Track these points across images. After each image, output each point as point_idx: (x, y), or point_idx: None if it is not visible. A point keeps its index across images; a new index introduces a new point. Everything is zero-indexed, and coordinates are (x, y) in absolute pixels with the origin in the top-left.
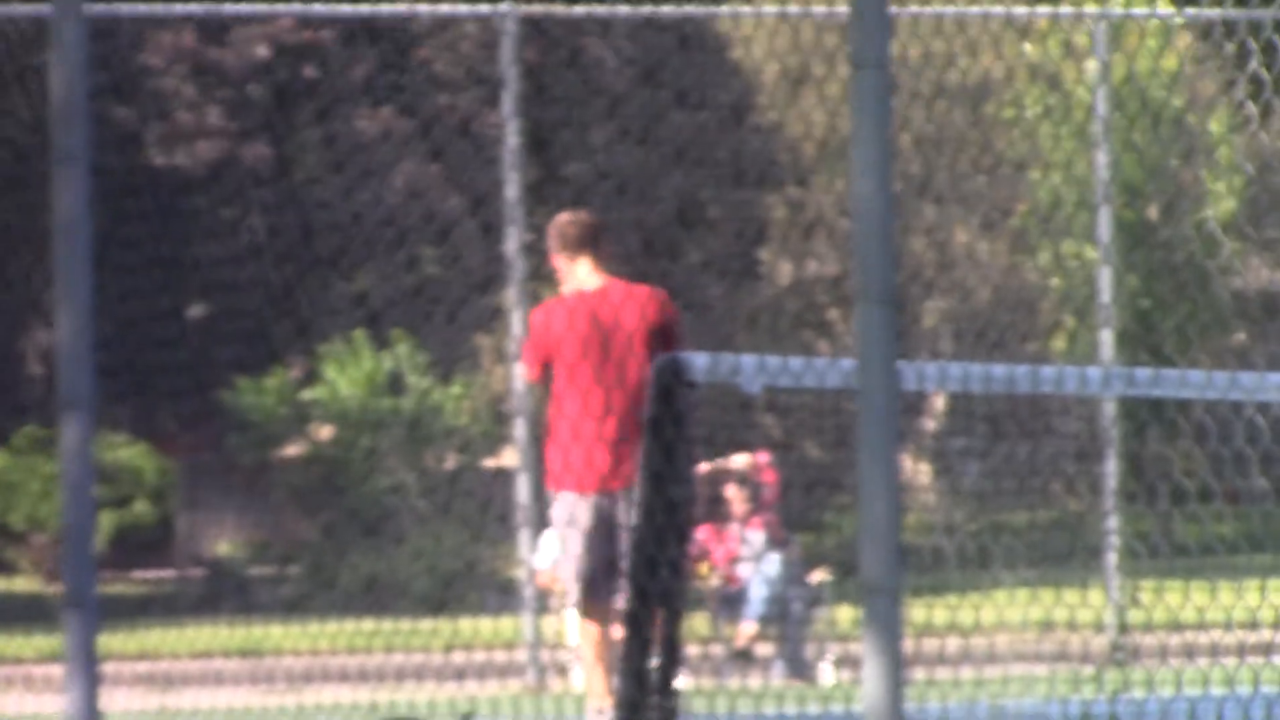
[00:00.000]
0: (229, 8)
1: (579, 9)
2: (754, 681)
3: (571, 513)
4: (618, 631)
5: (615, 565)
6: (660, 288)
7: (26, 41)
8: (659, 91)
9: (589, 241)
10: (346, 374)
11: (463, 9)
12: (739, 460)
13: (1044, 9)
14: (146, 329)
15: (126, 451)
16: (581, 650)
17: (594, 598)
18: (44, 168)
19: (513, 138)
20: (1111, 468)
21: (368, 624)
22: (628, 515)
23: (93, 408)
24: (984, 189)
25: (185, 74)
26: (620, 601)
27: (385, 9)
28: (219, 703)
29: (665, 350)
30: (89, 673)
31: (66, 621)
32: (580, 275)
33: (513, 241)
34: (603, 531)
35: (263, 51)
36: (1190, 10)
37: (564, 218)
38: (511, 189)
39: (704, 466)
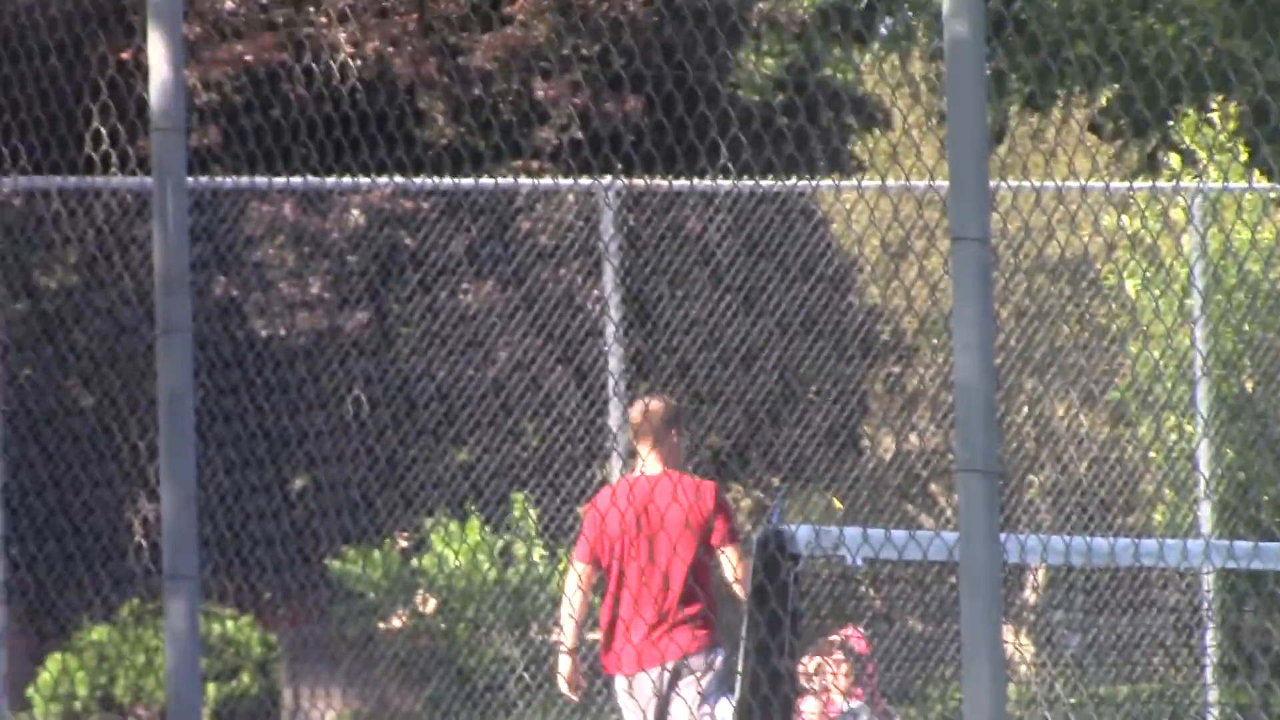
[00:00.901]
0: (329, 181)
1: (680, 182)
2: None
3: (627, 692)
4: None
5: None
6: (761, 459)
7: (129, 213)
8: (761, 264)
9: (657, 431)
10: (452, 545)
11: (564, 182)
12: (837, 637)
13: (1141, 183)
14: (250, 501)
15: (231, 623)
16: None
17: None
18: (147, 339)
19: (615, 310)
20: (1211, 640)
21: None
22: (670, 688)
23: (197, 580)
24: (1083, 362)
25: (285, 244)
26: None
27: (487, 182)
28: None
29: (712, 541)
30: None
31: None
32: (644, 461)
33: (615, 414)
34: (656, 708)
35: (361, 221)
36: None
37: (637, 405)
38: (614, 361)
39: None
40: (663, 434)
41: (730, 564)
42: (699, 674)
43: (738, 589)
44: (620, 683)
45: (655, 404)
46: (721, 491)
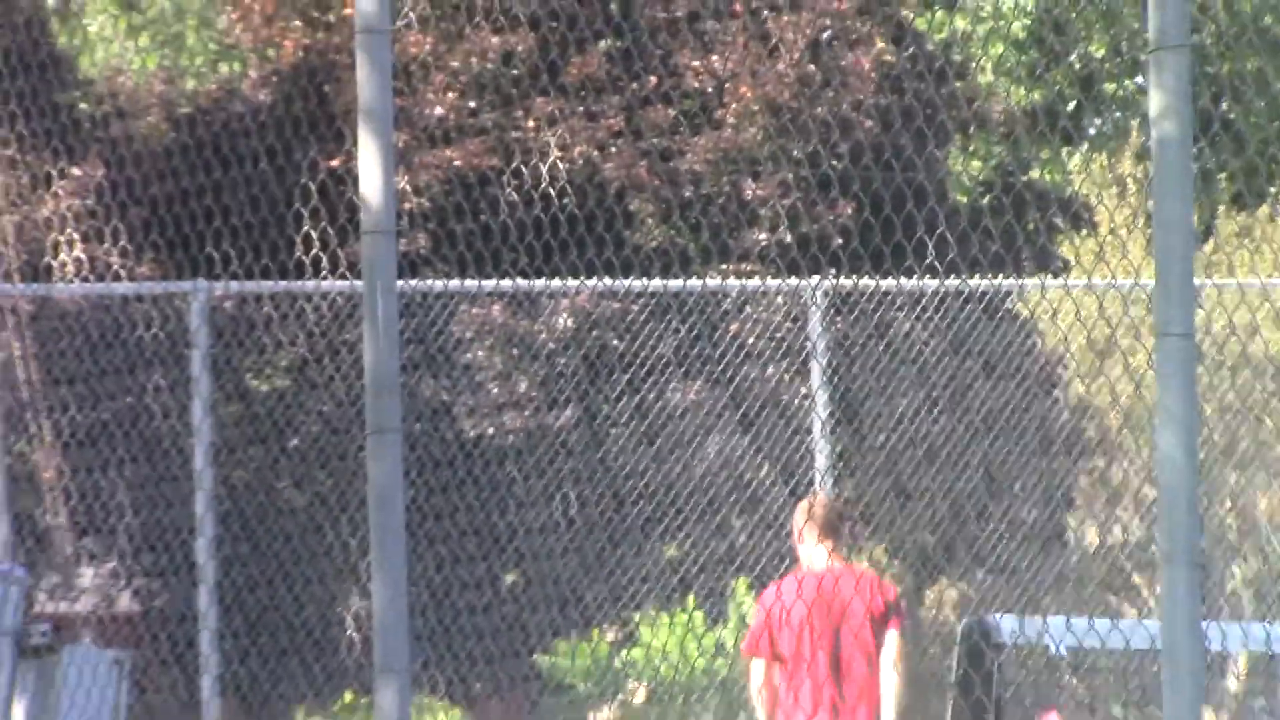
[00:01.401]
0: (539, 284)
1: (887, 282)
2: None
3: None
4: None
5: None
6: (965, 553)
7: (339, 316)
8: (967, 362)
9: (834, 527)
10: (660, 635)
11: (773, 283)
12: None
13: None
14: (461, 596)
15: (443, 715)
16: None
17: None
18: (358, 440)
19: (822, 407)
20: None
21: None
22: None
23: (408, 673)
24: None
25: (494, 346)
26: None
27: (696, 284)
28: None
29: (884, 629)
30: None
31: None
32: (815, 556)
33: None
34: None
35: (570, 322)
36: None
37: (817, 499)
38: (821, 458)
39: None
40: (838, 529)
41: (893, 646)
42: None
43: (894, 670)
44: None
45: (835, 500)
46: (895, 585)
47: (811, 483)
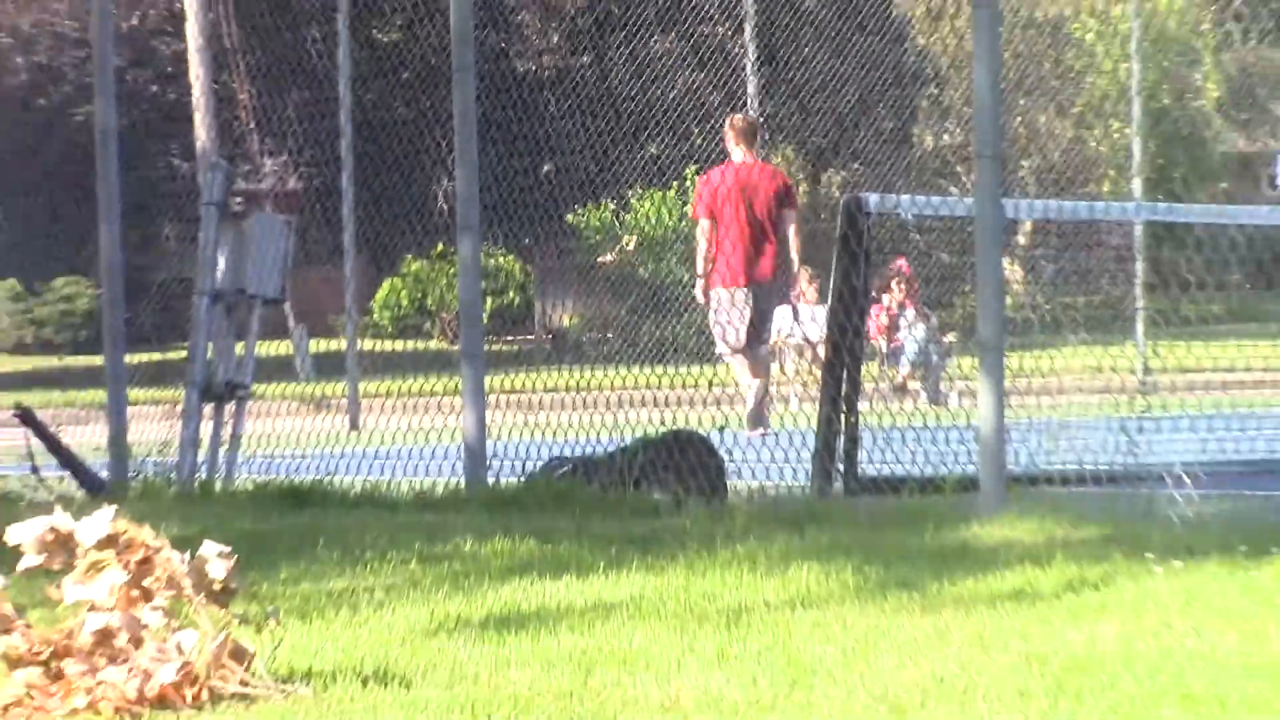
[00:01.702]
0: None
1: None
2: (906, 405)
3: (728, 299)
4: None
5: (757, 329)
6: (845, 152)
7: None
8: (848, 21)
9: (750, 134)
10: (645, 205)
11: None
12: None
13: None
14: (515, 179)
15: (503, 259)
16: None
17: (743, 354)
18: (447, 77)
19: (752, 51)
20: (1139, 268)
21: (658, 369)
22: (763, 298)
23: (479, 231)
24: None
25: (534, 10)
26: (762, 353)
27: None
28: (561, 419)
29: (779, 206)
30: (479, 403)
31: (464, 369)
32: (738, 154)
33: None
34: (749, 309)
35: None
36: None
37: (740, 115)
38: (750, 86)
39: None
40: (753, 135)
41: (790, 222)
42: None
43: (793, 239)
44: (722, 293)
45: (747, 118)
46: (785, 175)
47: (744, 104)
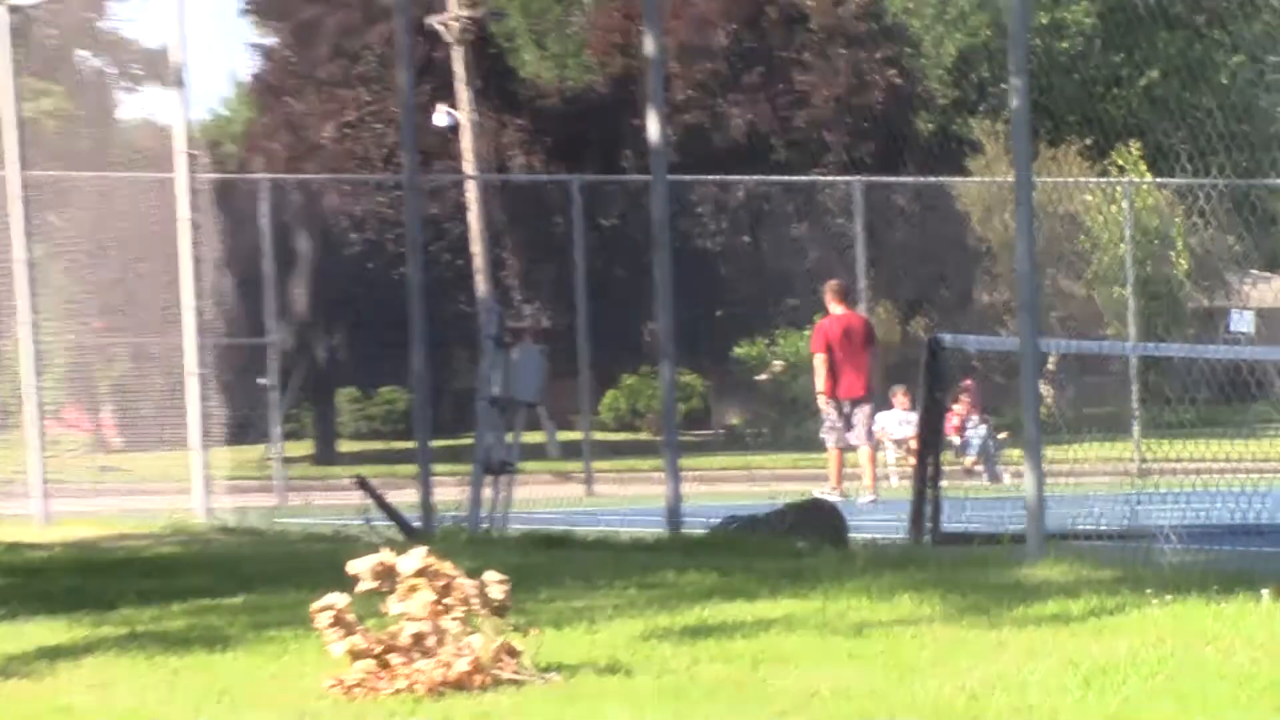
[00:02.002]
0: None
1: None
2: (973, 483)
3: (839, 408)
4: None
5: (859, 423)
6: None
7: None
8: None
9: (845, 294)
10: (786, 341)
11: None
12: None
13: None
14: (698, 321)
15: (690, 376)
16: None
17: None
18: (648, 249)
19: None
20: (1134, 388)
21: (797, 455)
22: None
23: (674, 357)
24: None
25: (708, 205)
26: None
27: None
28: (732, 489)
29: (868, 342)
30: (675, 477)
31: (665, 453)
32: (836, 309)
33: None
34: (858, 408)
35: None
36: None
37: (833, 282)
38: (863, 281)
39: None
40: (844, 295)
41: (875, 354)
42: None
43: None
44: (833, 403)
45: (840, 282)
46: (869, 320)
47: (855, 272)
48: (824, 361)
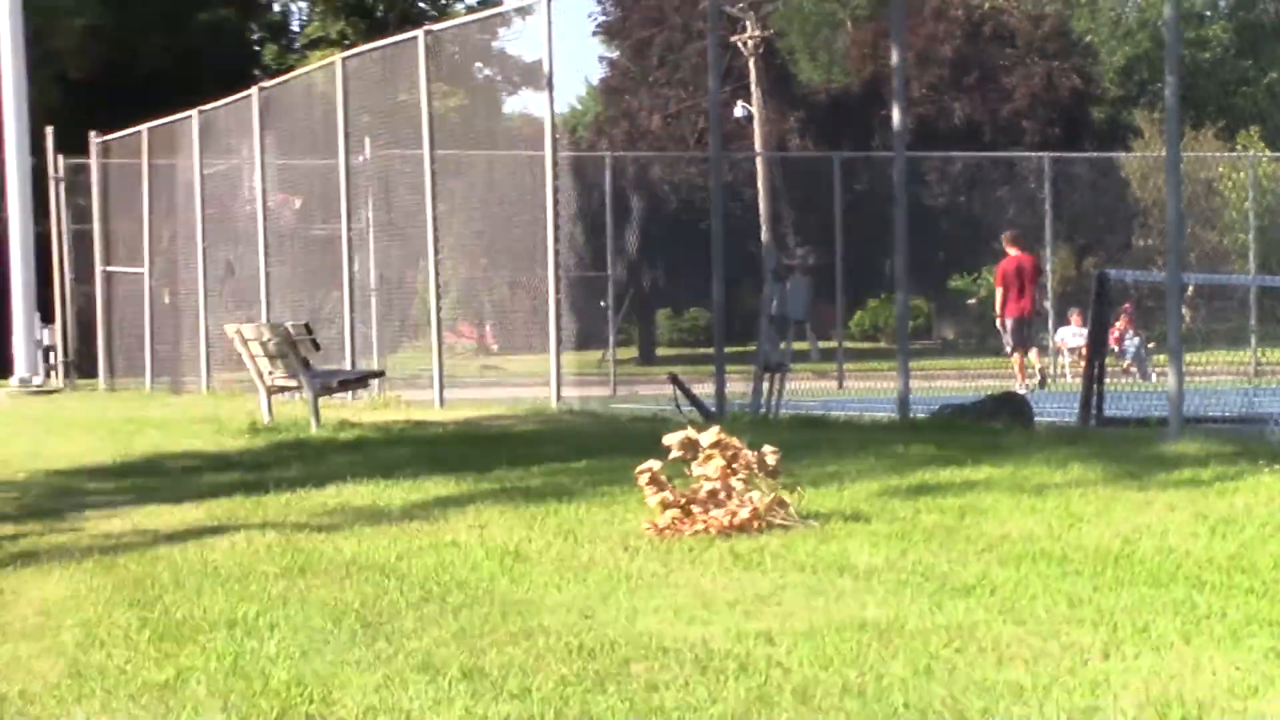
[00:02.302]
0: None
1: None
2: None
3: (1015, 323)
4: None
5: (1030, 334)
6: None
7: None
8: None
9: (1019, 240)
10: (989, 276)
11: None
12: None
13: None
14: (926, 262)
15: (919, 301)
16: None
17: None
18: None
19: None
20: (1253, 309)
21: (996, 359)
22: (1027, 324)
23: (907, 286)
24: None
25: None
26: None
27: None
28: (947, 384)
29: (1036, 275)
30: (905, 374)
31: (899, 358)
32: (1012, 251)
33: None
34: (1027, 324)
35: None
36: None
37: (1007, 233)
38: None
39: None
40: (1018, 242)
41: (1039, 285)
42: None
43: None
44: (1009, 321)
45: (1015, 232)
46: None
47: (1043, 222)
48: (1001, 291)
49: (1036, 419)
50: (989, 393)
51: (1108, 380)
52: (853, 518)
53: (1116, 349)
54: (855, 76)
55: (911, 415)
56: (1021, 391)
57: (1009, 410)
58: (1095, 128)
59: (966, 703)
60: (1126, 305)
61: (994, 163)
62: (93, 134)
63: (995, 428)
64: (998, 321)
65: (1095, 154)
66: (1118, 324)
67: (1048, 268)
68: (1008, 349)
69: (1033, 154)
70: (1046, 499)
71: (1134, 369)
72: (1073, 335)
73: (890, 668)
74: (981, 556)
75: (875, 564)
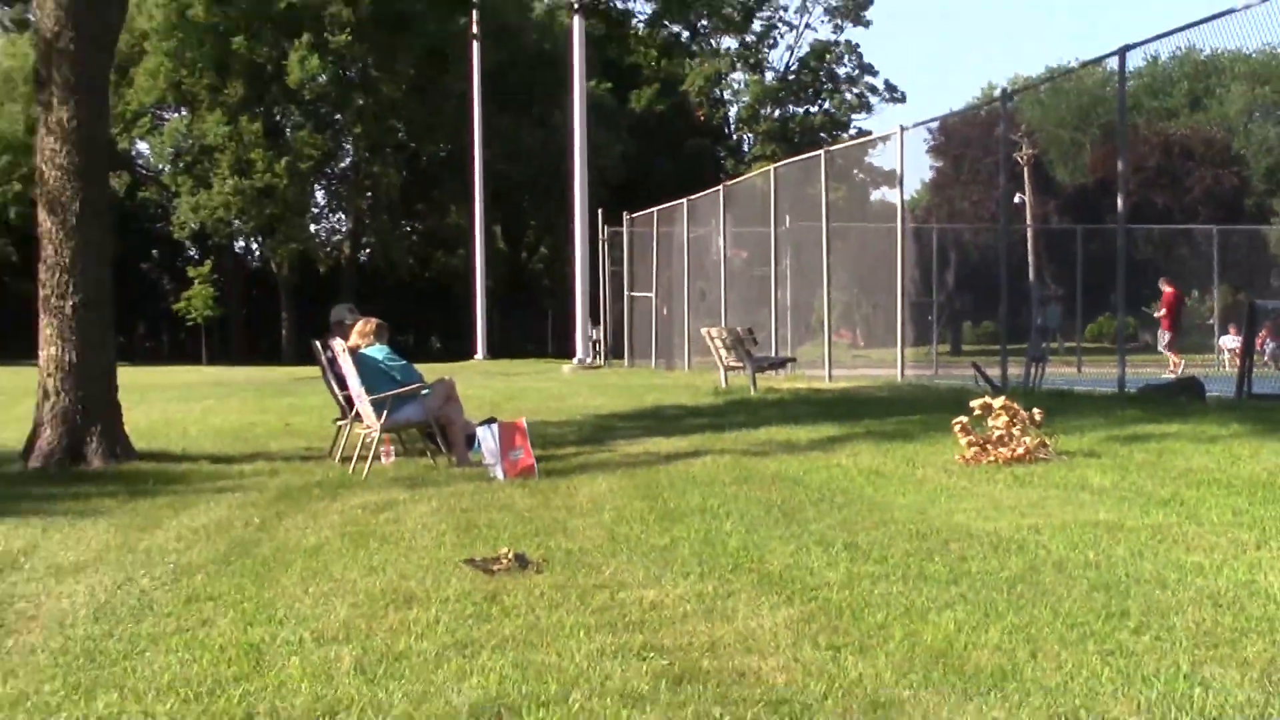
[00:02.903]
0: None
1: None
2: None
3: (1172, 335)
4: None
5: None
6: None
7: None
8: None
9: (1172, 283)
10: None
11: None
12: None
13: None
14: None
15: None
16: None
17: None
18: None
19: None
20: None
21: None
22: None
23: (1124, 309)
24: None
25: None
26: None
27: None
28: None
29: (1182, 303)
30: (1119, 357)
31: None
32: (1165, 288)
33: None
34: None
35: None
36: None
37: (1165, 278)
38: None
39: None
40: (1174, 283)
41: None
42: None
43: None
44: (1168, 335)
45: (1164, 279)
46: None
47: None
48: (1165, 313)
49: (1208, 394)
50: (1176, 378)
51: (1256, 371)
52: (1089, 455)
53: (1261, 350)
54: (1091, 178)
55: (1126, 390)
56: (1182, 374)
57: (1189, 389)
58: (1247, 210)
59: (1166, 575)
60: (1268, 324)
61: (1179, 232)
62: (625, 214)
63: (1180, 399)
64: (1164, 332)
65: (1247, 226)
66: (1262, 334)
67: (1215, 302)
68: (1165, 348)
69: (1205, 226)
70: (1216, 445)
71: (1271, 363)
72: (1231, 341)
73: (1115, 551)
74: (1174, 482)
75: (1104, 485)
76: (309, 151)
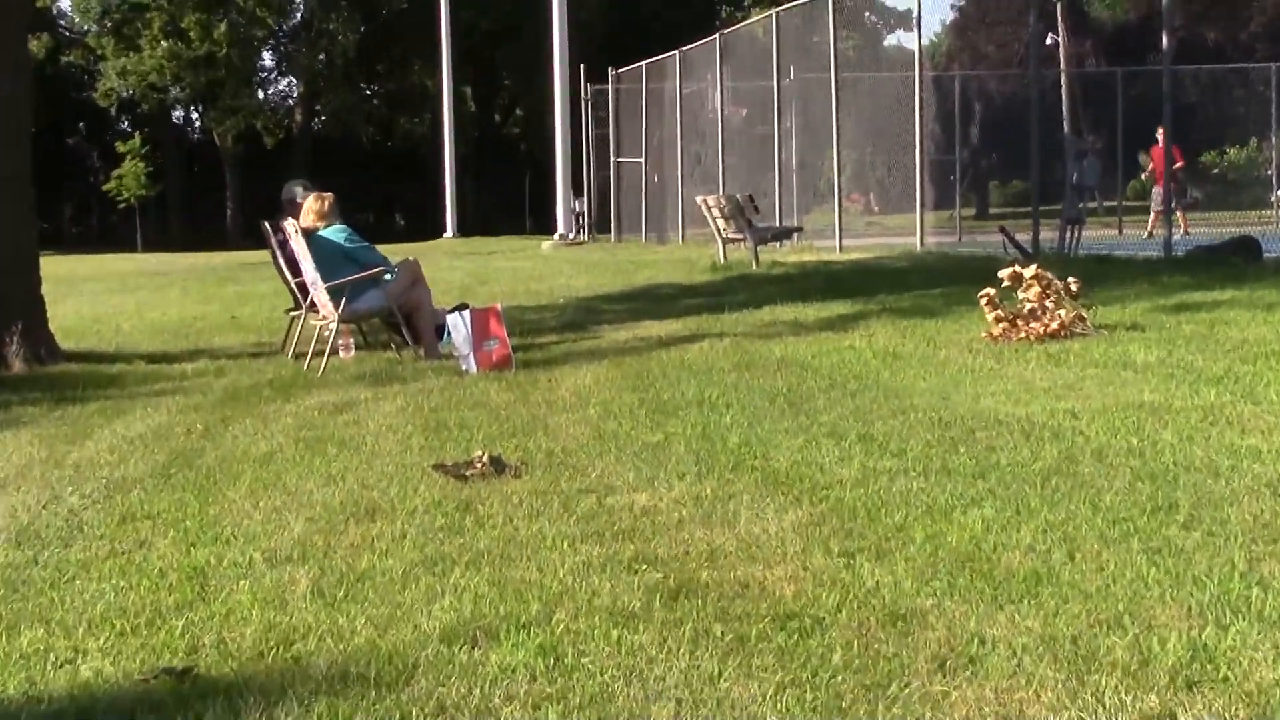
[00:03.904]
0: None
1: None
2: None
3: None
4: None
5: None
6: None
7: None
8: None
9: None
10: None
11: None
12: None
13: None
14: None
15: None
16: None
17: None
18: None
19: None
20: None
21: (1235, 212)
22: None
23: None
24: None
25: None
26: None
27: None
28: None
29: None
30: (1169, 223)
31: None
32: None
33: None
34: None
35: None
36: None
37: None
38: None
39: None
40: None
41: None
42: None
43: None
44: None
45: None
46: None
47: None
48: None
49: (1266, 255)
50: (1229, 236)
51: None
52: (1132, 328)
53: None
54: (1133, 12)
55: (1173, 254)
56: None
57: (1245, 249)
58: None
59: (1218, 461)
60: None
61: (1234, 72)
62: (610, 69)
63: (1235, 261)
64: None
65: None
66: None
67: (1274, 151)
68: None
69: (1263, 64)
70: (1275, 313)
71: None
72: None
73: (1161, 436)
74: (1227, 355)
75: (1149, 361)
76: (259, 13)
